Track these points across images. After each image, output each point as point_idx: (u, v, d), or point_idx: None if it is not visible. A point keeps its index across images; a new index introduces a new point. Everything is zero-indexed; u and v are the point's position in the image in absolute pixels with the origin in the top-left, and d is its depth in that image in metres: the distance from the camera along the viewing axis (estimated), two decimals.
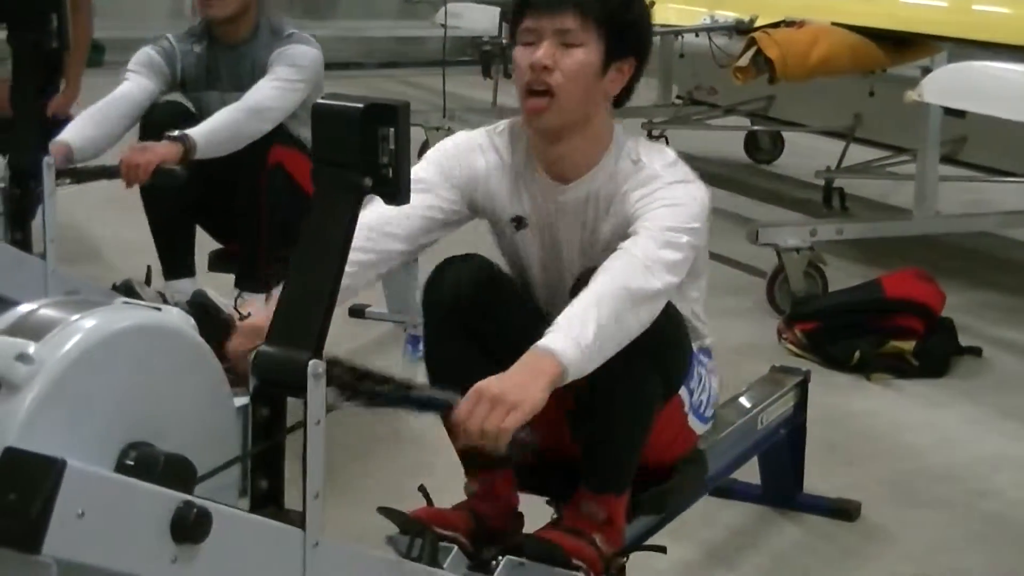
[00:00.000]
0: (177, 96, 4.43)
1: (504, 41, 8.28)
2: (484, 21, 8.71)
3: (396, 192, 2.12)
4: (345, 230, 2.12)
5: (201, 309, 3.99)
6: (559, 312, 2.49)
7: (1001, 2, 5.36)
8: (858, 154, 7.08)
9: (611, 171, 2.76)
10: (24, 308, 1.94)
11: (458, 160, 2.84)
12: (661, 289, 2.56)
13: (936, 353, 4.86)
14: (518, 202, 2.83)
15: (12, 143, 3.75)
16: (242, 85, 4.25)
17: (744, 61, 5.35)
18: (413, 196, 2.19)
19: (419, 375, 4.13)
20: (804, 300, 5.22)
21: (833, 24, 5.48)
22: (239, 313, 4.13)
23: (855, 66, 5.63)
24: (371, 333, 5.00)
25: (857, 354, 4.81)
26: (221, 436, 2.10)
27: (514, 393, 2.30)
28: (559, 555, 2.64)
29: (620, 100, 2.80)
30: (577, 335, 2.40)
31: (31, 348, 1.82)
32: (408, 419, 4.19)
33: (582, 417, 2.72)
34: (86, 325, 1.88)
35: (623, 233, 2.65)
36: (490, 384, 2.31)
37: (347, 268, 2.14)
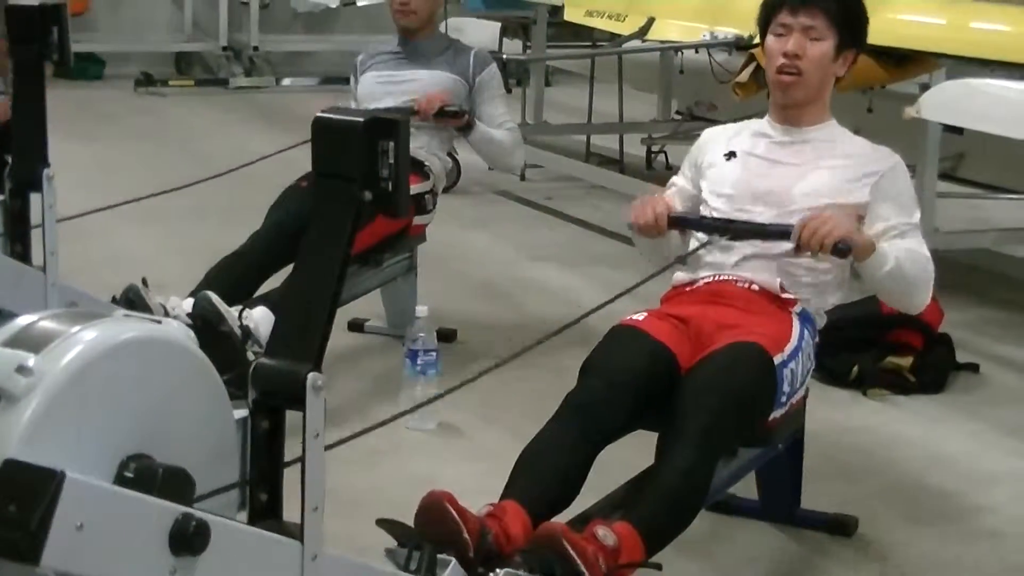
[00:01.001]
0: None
1: (504, 56, 8.30)
2: (485, 36, 8.73)
3: (395, 206, 2.13)
4: (345, 243, 2.13)
5: (202, 321, 4.01)
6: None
7: (999, 20, 5.36)
8: None
9: (832, 130, 3.55)
10: (24, 320, 1.94)
11: (701, 147, 3.68)
12: (929, 266, 3.42)
13: (934, 369, 4.86)
14: (737, 144, 3.56)
15: (12, 155, 3.75)
16: (418, 65, 5.06)
17: (744, 77, 5.36)
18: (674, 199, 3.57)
19: (418, 389, 4.15)
20: None
21: None
22: (241, 323, 4.15)
23: (853, 82, 5.62)
24: (370, 347, 5.00)
25: (855, 369, 4.81)
26: (220, 448, 2.10)
27: (835, 218, 3.22)
28: (557, 567, 2.63)
29: (839, 80, 3.54)
30: (885, 251, 3.30)
31: (31, 360, 1.82)
32: (408, 433, 4.21)
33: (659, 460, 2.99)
34: (86, 337, 1.88)
35: (846, 179, 3.43)
36: (816, 213, 3.25)
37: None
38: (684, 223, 3.47)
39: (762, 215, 3.41)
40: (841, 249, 3.20)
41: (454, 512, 2.65)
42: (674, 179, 3.67)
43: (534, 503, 2.86)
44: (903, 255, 3.33)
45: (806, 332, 3.35)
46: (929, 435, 4.46)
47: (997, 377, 4.97)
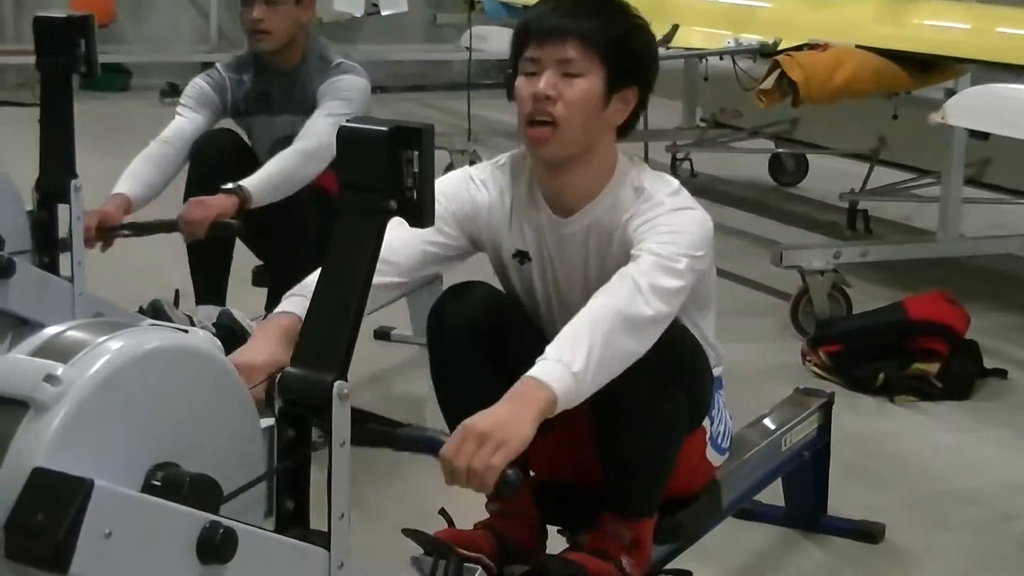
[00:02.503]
0: (227, 122, 4.49)
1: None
2: (506, 44, 8.72)
3: (420, 215, 2.14)
4: (370, 253, 2.14)
5: (227, 331, 4.03)
6: None
7: None
8: (882, 176, 7.07)
9: (613, 200, 2.74)
10: (52, 330, 1.95)
11: (458, 195, 2.82)
12: (655, 316, 2.54)
13: (961, 375, 4.85)
14: (520, 236, 2.82)
15: (40, 167, 3.77)
16: (292, 108, 4.34)
17: (768, 84, 5.36)
18: (412, 231, 2.22)
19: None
20: (828, 322, 5.21)
21: (857, 47, 5.48)
22: None
23: (879, 88, 5.63)
24: (396, 356, 5.01)
25: (881, 376, 4.80)
26: (247, 457, 2.11)
27: (501, 430, 2.28)
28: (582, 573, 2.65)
29: (624, 129, 2.79)
30: (569, 361, 2.39)
31: (59, 369, 1.84)
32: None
33: (607, 443, 2.72)
34: (113, 347, 1.89)
35: (627, 261, 2.63)
36: (476, 421, 2.30)
37: None
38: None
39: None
40: (507, 485, 2.30)
41: (465, 552, 2.65)
42: (403, 243, 2.71)
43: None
44: (582, 351, 2.42)
45: (716, 392, 2.94)
46: (956, 442, 4.44)
47: None
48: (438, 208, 2.43)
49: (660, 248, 2.61)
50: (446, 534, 2.73)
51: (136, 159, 4.30)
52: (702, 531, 3.08)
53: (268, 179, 4.14)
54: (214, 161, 4.23)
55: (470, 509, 2.87)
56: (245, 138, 4.49)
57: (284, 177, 4.17)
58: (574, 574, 2.66)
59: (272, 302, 4.34)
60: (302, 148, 4.20)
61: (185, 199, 4.18)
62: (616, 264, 2.67)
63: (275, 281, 4.32)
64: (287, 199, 4.17)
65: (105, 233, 4.01)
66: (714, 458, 2.97)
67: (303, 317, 2.22)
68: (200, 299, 4.35)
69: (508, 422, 2.30)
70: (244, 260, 4.47)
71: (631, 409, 2.60)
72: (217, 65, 4.52)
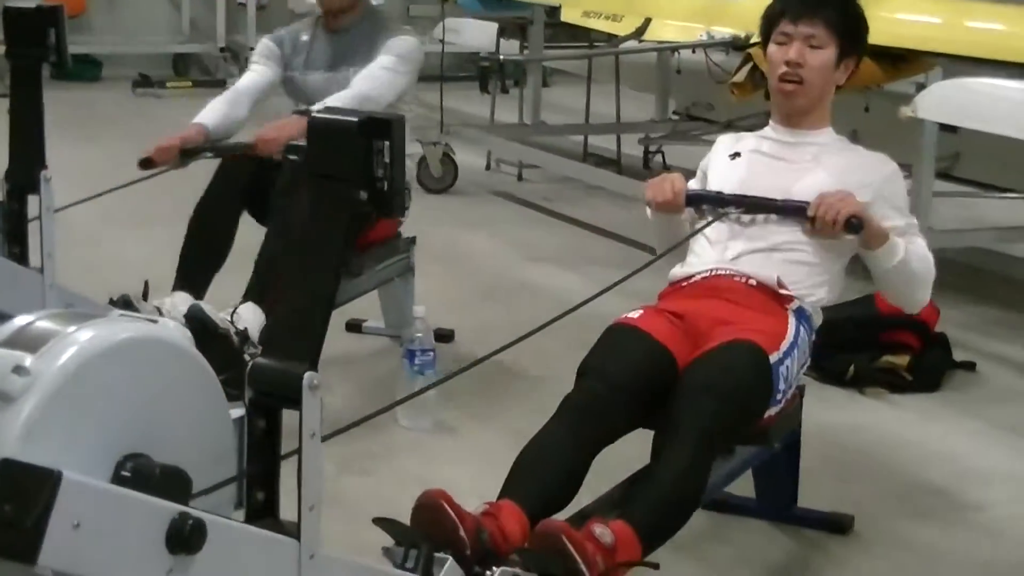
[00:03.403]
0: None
1: (501, 57, 8.31)
2: (482, 37, 8.74)
3: (390, 205, 2.14)
4: (340, 243, 2.14)
5: (198, 322, 4.02)
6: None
7: (995, 19, 5.37)
8: None
9: (830, 138, 3.58)
10: (20, 320, 1.94)
11: (710, 157, 3.71)
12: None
13: (930, 367, 4.87)
14: (742, 145, 3.64)
15: (10, 157, 3.76)
16: (348, 63, 4.68)
17: (740, 77, 5.37)
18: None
19: (416, 390, 4.16)
20: None
21: None
22: (235, 326, 4.16)
23: (850, 82, 5.64)
24: (368, 347, 5.01)
25: (852, 368, 4.82)
26: (217, 448, 2.10)
27: (847, 196, 3.32)
28: (554, 566, 2.64)
29: (841, 87, 3.58)
30: (896, 244, 3.36)
31: (27, 360, 1.83)
32: (403, 433, 4.22)
33: (654, 463, 2.97)
34: (82, 337, 1.89)
35: (841, 182, 3.40)
36: (829, 192, 3.32)
37: None
38: (701, 199, 3.52)
39: (756, 221, 3.48)
40: (854, 224, 3.28)
41: (450, 511, 2.65)
42: (691, 183, 3.67)
43: (532, 503, 2.86)
44: (911, 250, 3.40)
45: (802, 329, 3.36)
46: (926, 433, 4.47)
47: (993, 375, 4.98)
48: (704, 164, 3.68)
49: (905, 207, 3.54)
50: (438, 493, 2.71)
51: (214, 100, 4.71)
52: (794, 432, 3.57)
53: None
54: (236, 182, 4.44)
55: (456, 497, 2.86)
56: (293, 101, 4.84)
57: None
58: (544, 562, 2.65)
59: (253, 289, 4.34)
60: (355, 93, 4.50)
61: (199, 207, 4.46)
62: (826, 178, 3.44)
63: (264, 268, 4.33)
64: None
65: (187, 154, 4.36)
66: (789, 394, 3.32)
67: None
68: (180, 285, 4.35)
69: (850, 194, 3.32)
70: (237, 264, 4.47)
71: (681, 435, 2.95)
72: (280, 29, 4.97)
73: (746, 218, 3.46)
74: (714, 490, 3.26)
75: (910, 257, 3.40)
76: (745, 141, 3.66)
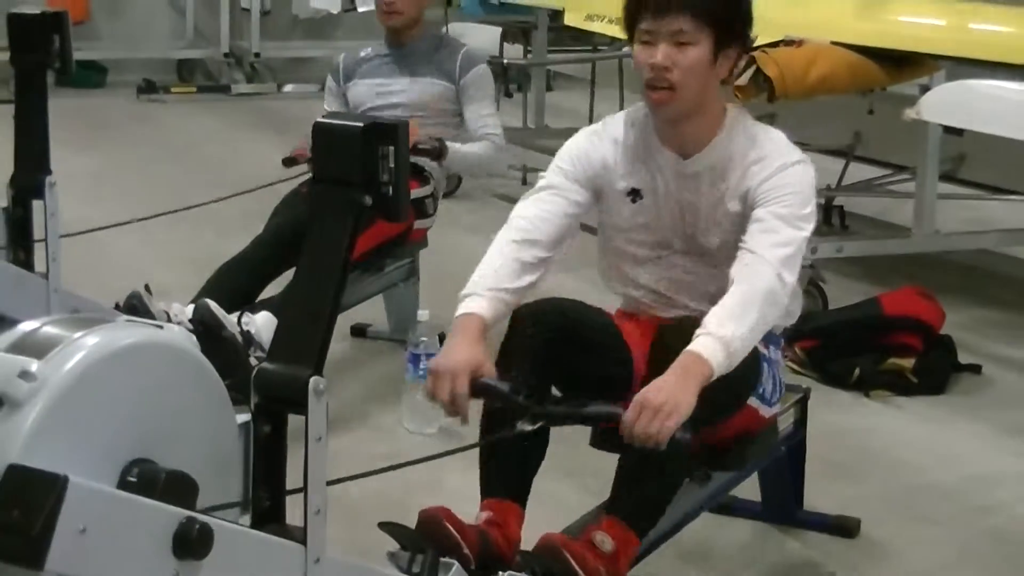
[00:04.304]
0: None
1: (504, 61, 8.31)
2: (485, 41, 8.73)
3: (396, 210, 2.14)
4: (345, 248, 2.14)
5: (203, 326, 4.02)
6: (666, 271, 3.10)
7: (999, 21, 5.37)
8: (858, 172, 7.09)
9: (727, 145, 3.06)
10: (27, 326, 1.95)
11: (585, 155, 3.13)
12: (787, 287, 2.91)
13: (935, 370, 4.87)
14: (635, 177, 3.11)
15: (15, 163, 3.76)
16: (407, 72, 4.97)
17: (743, 80, 5.36)
18: (548, 201, 3.04)
19: (420, 394, 4.16)
20: (804, 318, 5.20)
21: (832, 43, 5.49)
22: (241, 328, 4.16)
23: (854, 85, 5.63)
24: (373, 351, 5.01)
25: (857, 371, 4.81)
26: (223, 453, 2.11)
27: (672, 401, 2.66)
28: (560, 567, 2.65)
29: (727, 79, 3.12)
30: (726, 340, 2.75)
31: (34, 366, 1.83)
32: (409, 437, 4.22)
33: (632, 456, 2.85)
34: (89, 343, 1.89)
35: (743, 202, 2.99)
36: (650, 396, 2.67)
37: (511, 282, 2.95)
38: (492, 396, 2.82)
39: (679, 265, 3.14)
40: (679, 442, 2.69)
41: (452, 529, 2.66)
42: (551, 179, 3.13)
43: (519, 486, 2.91)
44: (740, 330, 2.78)
45: (771, 346, 3.18)
46: (931, 436, 4.46)
47: (999, 378, 4.98)
48: (571, 172, 3.10)
49: (785, 212, 2.96)
50: (438, 510, 2.73)
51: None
52: (756, 465, 3.41)
53: (464, 151, 4.84)
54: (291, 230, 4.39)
55: (461, 502, 2.87)
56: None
57: (477, 159, 4.90)
58: (549, 568, 2.66)
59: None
60: (497, 144, 4.94)
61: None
62: (724, 198, 3.04)
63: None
64: None
65: None
66: (765, 411, 3.18)
67: (489, 316, 2.87)
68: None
69: (676, 394, 2.67)
70: None
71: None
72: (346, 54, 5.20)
73: (679, 263, 3.14)
74: (690, 517, 3.22)
75: (743, 333, 2.79)
76: (634, 168, 3.11)
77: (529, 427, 2.73)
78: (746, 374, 2.98)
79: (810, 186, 3.04)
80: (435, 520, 2.67)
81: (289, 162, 4.73)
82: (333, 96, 5.10)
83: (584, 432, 3.07)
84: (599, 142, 3.15)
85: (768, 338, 3.10)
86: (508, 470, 2.93)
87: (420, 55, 5.01)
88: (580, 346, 3.01)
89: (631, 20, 3.03)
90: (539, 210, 3.06)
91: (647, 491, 2.87)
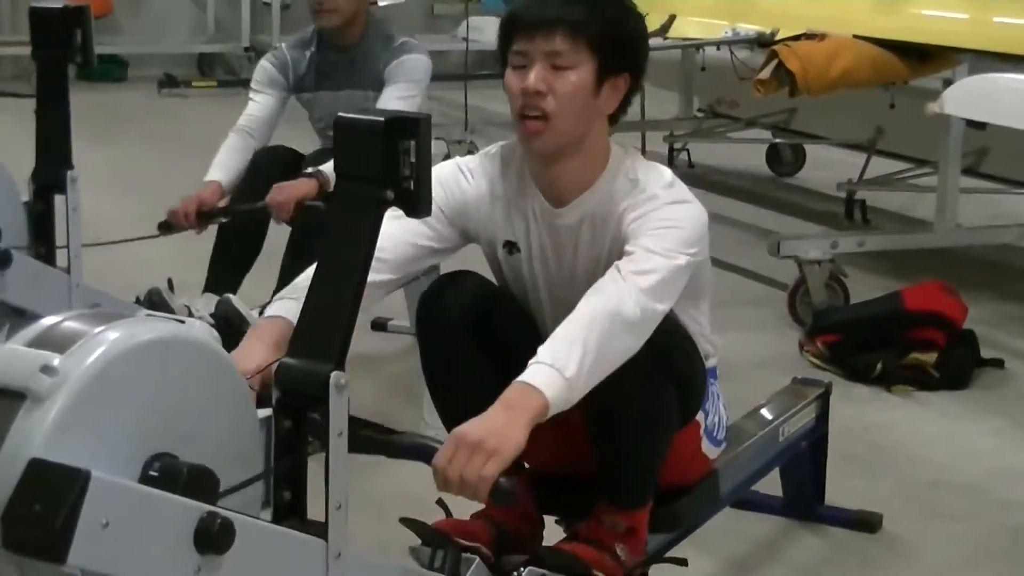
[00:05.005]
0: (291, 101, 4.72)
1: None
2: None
3: (417, 205, 2.14)
4: (367, 243, 2.14)
5: (225, 321, 4.03)
6: None
7: (1021, 14, 5.35)
8: (880, 166, 7.07)
9: (608, 191, 2.70)
10: (48, 321, 1.95)
11: (448, 187, 2.77)
12: (648, 315, 2.52)
13: (958, 365, 4.85)
14: (510, 227, 2.78)
15: (36, 158, 3.77)
16: (355, 83, 4.54)
17: (765, 74, 5.35)
18: (406, 221, 2.42)
19: None
20: (825, 312, 5.22)
21: (854, 37, 5.48)
22: None
23: (876, 79, 5.63)
24: (393, 346, 5.01)
25: (879, 366, 4.80)
26: (244, 447, 2.11)
27: (494, 438, 2.26)
28: (580, 566, 2.65)
29: (615, 116, 2.74)
30: (562, 366, 2.38)
31: (56, 360, 1.83)
32: (430, 432, 4.21)
33: (600, 434, 2.71)
34: (110, 337, 1.89)
35: (620, 254, 2.61)
36: (468, 430, 2.28)
37: None
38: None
39: (555, 318, 2.61)
40: (502, 493, 2.29)
41: (464, 541, 2.65)
42: (403, 237, 2.72)
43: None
44: (576, 354, 2.41)
45: (709, 378, 2.91)
46: (953, 431, 4.45)
47: (1021, 373, 4.96)
48: (437, 198, 2.62)
49: (653, 244, 2.58)
50: (444, 524, 2.74)
51: (221, 150, 4.52)
52: (699, 520, 3.08)
53: None
54: (267, 178, 4.33)
55: (469, 501, 2.86)
56: (296, 148, 4.68)
57: None
58: (568, 565, 2.66)
59: (281, 287, 4.34)
60: None
61: (231, 203, 4.39)
62: (609, 255, 2.66)
63: (287, 262, 4.35)
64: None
65: (203, 217, 4.24)
66: (710, 450, 2.96)
67: (293, 321, 2.23)
68: (211, 288, 4.36)
69: (500, 430, 2.28)
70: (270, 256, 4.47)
71: (622, 400, 2.58)
72: (280, 44, 4.76)
73: (544, 320, 2.79)
74: (740, 488, 3.23)
75: (587, 361, 2.41)
76: (510, 218, 2.78)
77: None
78: (696, 368, 2.78)
79: (691, 223, 2.64)
80: (445, 537, 2.65)
81: (164, 227, 4.27)
82: (270, 86, 4.60)
83: None
84: (472, 180, 2.79)
85: (709, 372, 2.88)
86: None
87: (352, 60, 4.57)
88: (497, 316, 2.77)
89: (504, 41, 2.68)
90: (392, 228, 2.47)
91: (636, 462, 2.71)
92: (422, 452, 2.30)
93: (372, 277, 2.25)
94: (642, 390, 2.59)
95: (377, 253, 2.23)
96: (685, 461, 2.86)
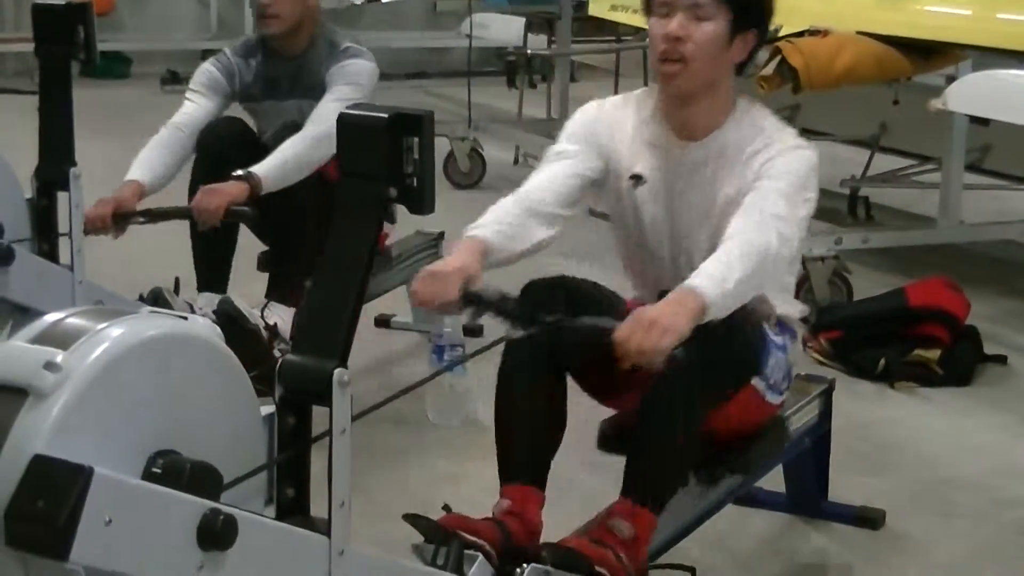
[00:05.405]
0: (235, 108, 4.50)
1: (528, 51, 8.30)
2: (509, 31, 8.73)
3: (420, 202, 2.14)
4: (370, 240, 2.14)
5: (228, 318, 4.03)
6: (680, 267, 2.94)
7: None
8: (883, 163, 7.07)
9: (735, 134, 2.99)
10: (51, 317, 1.95)
11: (592, 121, 3.10)
12: (785, 255, 2.86)
13: (961, 361, 4.85)
14: (639, 160, 3.06)
15: (39, 154, 3.77)
16: (300, 93, 4.35)
17: (769, 70, 5.34)
18: (555, 164, 3.00)
19: (445, 385, 4.16)
20: (829, 309, 5.21)
21: (857, 33, 5.47)
22: (265, 322, 4.17)
23: (879, 75, 5.62)
24: (397, 342, 5.01)
25: (882, 362, 4.80)
26: (247, 444, 2.11)
27: (666, 319, 2.60)
28: (584, 564, 2.65)
29: (742, 68, 3.04)
30: (721, 279, 2.69)
31: (59, 357, 1.83)
32: (432, 429, 4.22)
33: (641, 422, 2.83)
34: (113, 334, 1.89)
35: (743, 193, 2.90)
36: (646, 311, 2.62)
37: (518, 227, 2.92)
38: (482, 307, 2.75)
39: (673, 256, 3.06)
40: (676, 359, 2.61)
41: (468, 535, 2.65)
42: (562, 148, 3.11)
43: (535, 471, 2.89)
44: (734, 275, 2.72)
45: (784, 334, 3.12)
46: (957, 427, 4.45)
47: None
48: (578, 135, 3.08)
49: (785, 187, 2.88)
50: (452, 519, 2.73)
51: (147, 145, 4.30)
52: (766, 467, 3.32)
53: (278, 165, 4.14)
54: (220, 150, 4.22)
55: (473, 502, 2.87)
56: (252, 125, 4.50)
57: (294, 162, 4.17)
58: (574, 561, 2.66)
59: (274, 287, 4.35)
60: (311, 133, 4.19)
61: (191, 188, 4.19)
62: (732, 191, 2.94)
63: (277, 266, 4.34)
64: (290, 186, 4.18)
65: (120, 220, 4.02)
66: (774, 399, 3.10)
67: (493, 242, 2.82)
68: (202, 286, 4.35)
69: (670, 315, 2.61)
70: (247, 248, 4.47)
71: (668, 398, 2.78)
72: (225, 50, 4.53)
73: (663, 256, 3.08)
74: (695, 524, 3.16)
75: (733, 287, 2.70)
76: (640, 152, 3.06)
77: (521, 333, 2.72)
78: (747, 351, 2.95)
79: (813, 168, 2.95)
80: (450, 534, 2.65)
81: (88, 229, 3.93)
82: (212, 91, 4.42)
83: None
84: (612, 110, 3.12)
85: (780, 325, 3.09)
86: (524, 453, 2.92)
87: (293, 70, 4.41)
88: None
89: None
90: (544, 175, 3.04)
91: (657, 465, 2.84)
92: (601, 332, 2.62)
93: (544, 209, 2.96)
94: (680, 391, 2.78)
95: (543, 195, 2.93)
96: (743, 414, 3.04)
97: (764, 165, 2.92)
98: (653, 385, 2.78)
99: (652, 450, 2.84)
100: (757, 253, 2.76)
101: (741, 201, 2.89)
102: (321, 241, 2.24)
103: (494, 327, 4.77)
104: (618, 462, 2.98)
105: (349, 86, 4.28)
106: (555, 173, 3.04)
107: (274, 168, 4.12)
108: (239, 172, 4.06)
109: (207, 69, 4.46)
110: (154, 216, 4.07)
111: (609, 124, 3.09)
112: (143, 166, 4.20)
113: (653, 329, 2.57)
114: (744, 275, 2.72)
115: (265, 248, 4.54)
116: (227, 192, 4.02)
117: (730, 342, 2.81)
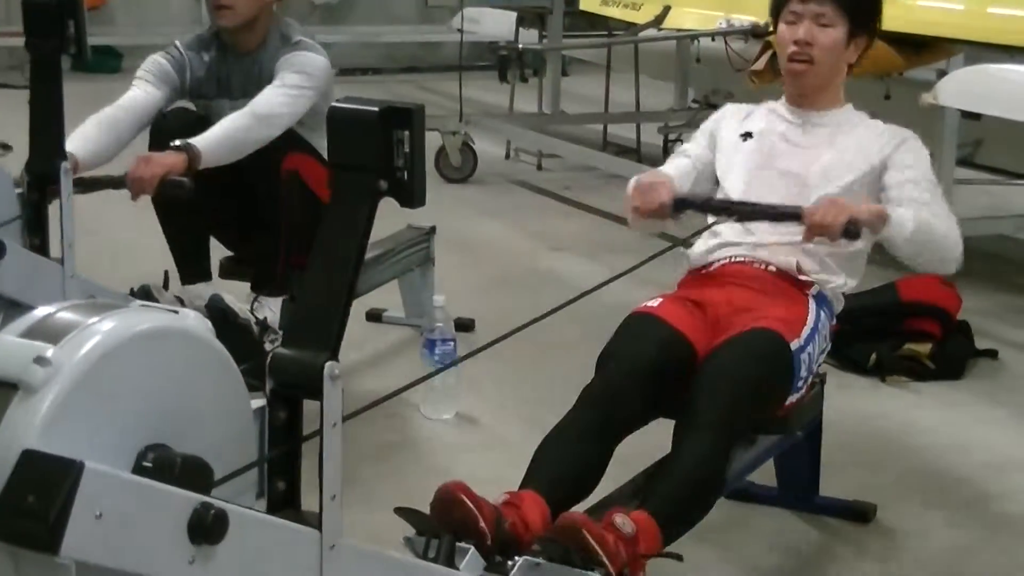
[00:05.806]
0: (186, 103, 4.43)
1: (520, 46, 8.30)
2: (501, 26, 8.74)
3: (411, 195, 2.13)
4: (361, 233, 2.14)
5: (218, 313, 4.03)
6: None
7: (1017, 5, 5.35)
8: None
9: (846, 116, 3.58)
10: (42, 311, 1.94)
11: (717, 121, 3.70)
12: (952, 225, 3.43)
13: (952, 355, 4.86)
14: (751, 123, 3.61)
15: (30, 149, 3.76)
16: (251, 93, 4.23)
17: (760, 65, 5.36)
18: (683, 160, 3.62)
19: (436, 380, 4.16)
20: None
21: None
22: (255, 316, 4.17)
23: (871, 69, 5.62)
24: (388, 337, 5.01)
25: (873, 357, 4.80)
26: (238, 438, 2.10)
27: (848, 204, 3.20)
28: (577, 557, 2.64)
29: (852, 67, 3.58)
30: (903, 222, 3.26)
31: (49, 351, 1.83)
32: (424, 423, 4.22)
33: (675, 449, 2.96)
34: (104, 328, 1.88)
35: (845, 160, 3.47)
36: (829, 198, 3.24)
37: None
38: (690, 205, 3.40)
39: (778, 196, 3.41)
40: (851, 231, 3.17)
41: (469, 502, 2.65)
42: (687, 146, 3.70)
43: (553, 492, 2.86)
44: (923, 215, 3.32)
45: (822, 314, 3.36)
46: (948, 422, 4.45)
47: (1016, 363, 4.96)
48: (704, 135, 3.67)
49: (925, 173, 3.47)
50: (456, 486, 2.71)
51: (87, 121, 4.20)
52: (813, 422, 3.56)
53: (218, 138, 4.05)
54: (175, 136, 4.09)
55: (476, 487, 2.86)
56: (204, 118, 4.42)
57: (234, 138, 4.07)
58: (566, 553, 2.65)
59: (260, 280, 4.33)
60: (253, 111, 4.12)
61: (155, 197, 4.09)
62: (834, 155, 3.49)
63: (260, 259, 4.32)
64: (254, 182, 4.15)
65: (53, 188, 3.82)
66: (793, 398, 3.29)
67: (675, 177, 3.48)
68: (185, 279, 4.34)
69: (853, 204, 3.22)
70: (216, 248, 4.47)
71: (707, 428, 2.95)
72: (176, 42, 4.44)
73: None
74: (737, 479, 3.26)
75: (922, 224, 3.29)
76: (755, 118, 3.63)
77: (727, 220, 3.40)
78: (779, 385, 3.18)
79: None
80: (452, 495, 2.65)
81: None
82: (160, 80, 4.35)
83: None
84: (735, 109, 3.71)
85: (822, 303, 3.40)
86: (555, 473, 2.93)
87: (250, 65, 4.34)
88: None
89: (779, 2, 3.53)
90: (678, 162, 3.65)
91: (684, 497, 2.90)
92: (791, 211, 3.24)
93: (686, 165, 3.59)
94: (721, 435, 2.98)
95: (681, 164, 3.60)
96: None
97: (896, 151, 3.47)
98: (693, 409, 2.99)
99: (685, 479, 2.91)
100: (953, 235, 3.40)
101: (850, 163, 3.46)
102: (297, 235, 2.24)
103: (488, 324, 4.80)
104: (618, 462, 2.99)
105: (297, 75, 4.21)
106: (689, 165, 3.62)
107: (213, 140, 4.04)
108: (176, 142, 3.97)
109: (157, 60, 4.38)
110: (86, 185, 3.92)
111: (731, 115, 3.68)
112: (79, 139, 4.06)
113: (834, 206, 3.17)
114: (922, 234, 3.27)
115: (229, 254, 4.52)
116: (163, 162, 3.93)
117: (764, 386, 3.10)
